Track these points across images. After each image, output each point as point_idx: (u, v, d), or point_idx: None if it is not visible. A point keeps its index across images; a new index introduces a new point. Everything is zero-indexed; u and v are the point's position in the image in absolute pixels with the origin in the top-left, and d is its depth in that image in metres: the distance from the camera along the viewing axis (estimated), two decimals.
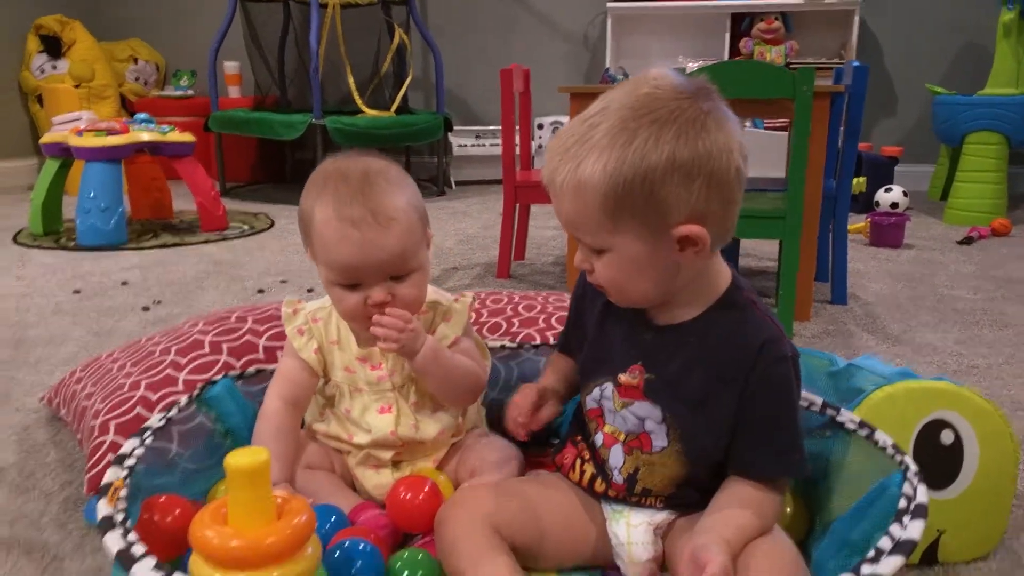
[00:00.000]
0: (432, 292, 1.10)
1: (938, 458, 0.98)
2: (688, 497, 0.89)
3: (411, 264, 1.01)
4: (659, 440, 0.88)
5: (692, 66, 2.05)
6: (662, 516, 0.90)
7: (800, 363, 0.87)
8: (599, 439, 0.93)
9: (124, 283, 2.42)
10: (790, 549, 0.83)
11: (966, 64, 4.20)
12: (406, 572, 0.85)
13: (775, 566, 0.79)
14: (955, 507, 0.99)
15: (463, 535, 0.86)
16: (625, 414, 0.90)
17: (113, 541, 0.70)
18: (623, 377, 0.90)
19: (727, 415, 0.85)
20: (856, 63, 2.18)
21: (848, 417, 0.94)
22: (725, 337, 0.86)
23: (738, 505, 0.84)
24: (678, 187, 0.78)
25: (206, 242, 3.05)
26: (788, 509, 0.96)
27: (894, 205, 3.04)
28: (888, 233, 3.02)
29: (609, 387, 0.92)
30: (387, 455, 1.07)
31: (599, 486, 0.94)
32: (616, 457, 0.91)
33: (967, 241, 3.10)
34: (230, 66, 4.66)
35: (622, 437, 0.91)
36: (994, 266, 2.72)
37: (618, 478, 0.92)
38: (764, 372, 0.84)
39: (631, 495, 0.91)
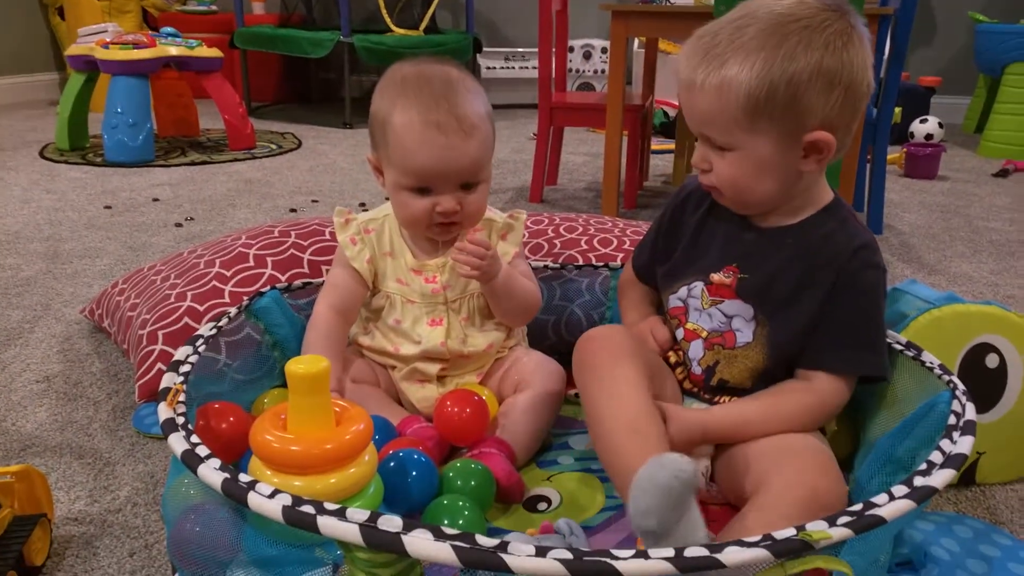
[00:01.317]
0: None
1: (982, 381, 0.99)
2: None
3: (482, 174, 1.03)
4: (744, 337, 0.92)
5: None
6: None
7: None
8: (680, 334, 0.97)
9: (155, 199, 2.43)
10: (823, 452, 0.85)
11: None
12: (459, 481, 0.87)
13: (799, 463, 0.81)
14: (996, 430, 1.00)
15: (608, 347, 0.88)
16: (713, 311, 0.93)
17: (177, 442, 0.71)
18: (716, 276, 0.94)
19: (815, 313, 0.89)
20: None
21: (895, 338, 0.94)
22: (824, 238, 0.89)
23: (769, 395, 0.90)
24: (819, 94, 0.82)
25: (234, 160, 3.04)
26: (834, 427, 0.97)
27: (928, 136, 2.98)
28: (923, 164, 2.97)
29: (698, 286, 0.95)
30: (433, 369, 1.07)
31: (680, 373, 0.98)
32: (696, 350, 0.95)
33: (1002, 174, 3.05)
34: None
35: (704, 334, 0.94)
36: None
37: (696, 369, 0.95)
38: (855, 272, 0.88)
39: (707, 388, 0.95)
